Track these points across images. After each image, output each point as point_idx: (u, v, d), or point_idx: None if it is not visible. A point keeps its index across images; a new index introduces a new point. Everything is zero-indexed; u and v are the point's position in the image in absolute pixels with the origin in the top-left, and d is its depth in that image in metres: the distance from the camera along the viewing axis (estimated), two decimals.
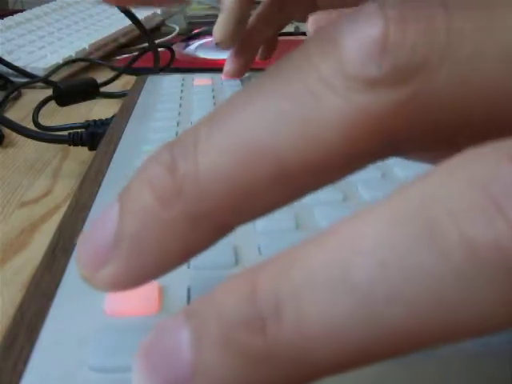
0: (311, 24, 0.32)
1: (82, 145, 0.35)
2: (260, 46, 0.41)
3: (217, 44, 0.39)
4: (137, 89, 0.38)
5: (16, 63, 0.53)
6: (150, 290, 0.15)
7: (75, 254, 0.12)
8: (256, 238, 0.18)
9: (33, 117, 0.39)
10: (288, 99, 0.10)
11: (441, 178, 0.09)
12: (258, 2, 0.40)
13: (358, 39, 0.09)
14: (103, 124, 0.35)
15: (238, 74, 0.40)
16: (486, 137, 0.10)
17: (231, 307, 0.09)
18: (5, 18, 0.67)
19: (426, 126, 0.10)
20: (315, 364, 0.09)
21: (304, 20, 0.35)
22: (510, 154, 0.09)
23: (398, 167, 0.23)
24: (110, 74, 0.53)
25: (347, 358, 0.09)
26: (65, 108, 0.44)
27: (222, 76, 0.40)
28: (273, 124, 0.10)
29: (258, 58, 0.43)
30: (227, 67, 0.40)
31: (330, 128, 0.09)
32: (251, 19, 0.38)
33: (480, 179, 0.09)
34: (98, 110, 0.46)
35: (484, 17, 0.09)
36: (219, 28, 0.38)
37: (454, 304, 0.08)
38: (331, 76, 0.09)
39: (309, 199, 0.21)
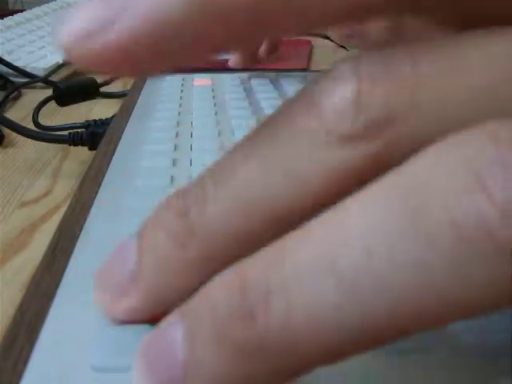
0: None
1: (82, 145, 0.35)
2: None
3: None
4: (137, 89, 0.38)
5: (16, 63, 0.53)
6: None
7: (93, 284, 0.13)
8: None
9: (33, 117, 0.39)
10: (278, 157, 0.11)
11: (426, 162, 0.09)
12: None
13: (334, 100, 0.11)
14: (103, 124, 0.35)
15: (244, 64, 0.42)
16: None
17: (221, 301, 0.10)
18: (5, 18, 0.67)
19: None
20: (305, 355, 0.09)
21: None
22: (493, 133, 0.09)
23: None
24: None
25: (336, 347, 0.09)
26: (65, 108, 0.44)
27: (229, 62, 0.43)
28: (265, 179, 0.11)
29: (262, 55, 0.43)
30: (234, 57, 0.43)
31: (315, 179, 0.11)
32: None
33: (464, 161, 0.09)
34: (98, 110, 0.46)
35: (448, 65, 0.10)
36: None
37: (444, 289, 0.09)
38: (314, 133, 0.11)
39: None
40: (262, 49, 0.43)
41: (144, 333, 0.14)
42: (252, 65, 0.42)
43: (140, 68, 0.11)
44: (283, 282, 0.09)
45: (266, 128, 0.12)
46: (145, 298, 0.12)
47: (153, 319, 0.14)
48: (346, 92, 0.10)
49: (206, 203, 0.12)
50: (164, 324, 0.11)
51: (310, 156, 0.11)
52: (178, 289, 0.12)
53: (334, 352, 0.09)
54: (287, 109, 0.12)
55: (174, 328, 0.10)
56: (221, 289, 0.10)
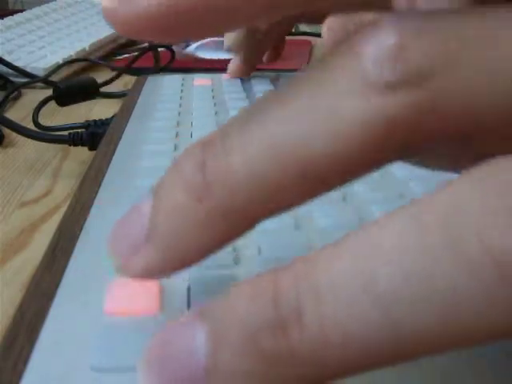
0: (326, 28, 0.32)
1: (82, 145, 0.35)
2: (269, 47, 0.41)
3: (227, 48, 0.39)
4: (137, 89, 0.38)
5: (16, 63, 0.53)
6: (150, 289, 0.15)
7: (107, 244, 0.13)
8: (256, 237, 0.18)
9: (33, 117, 0.39)
10: (315, 106, 0.10)
11: (467, 187, 0.09)
12: None
13: (376, 47, 0.10)
14: (103, 124, 0.35)
15: (245, 74, 0.39)
16: (500, 144, 0.10)
17: (251, 310, 0.10)
18: (5, 18, 0.67)
19: (441, 129, 0.10)
20: (333, 368, 0.09)
21: (312, 22, 0.35)
22: None
23: (397, 167, 0.23)
24: (110, 74, 0.53)
25: (364, 363, 0.09)
26: (65, 108, 0.44)
27: (226, 75, 0.39)
28: (302, 126, 0.10)
29: (264, 60, 0.43)
30: (234, 66, 0.39)
31: (353, 128, 0.10)
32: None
33: (501, 192, 0.09)
34: (98, 110, 0.46)
35: (492, 27, 0.10)
36: (230, 34, 0.38)
37: (476, 314, 0.09)
38: (354, 83, 0.10)
39: None
40: (265, 56, 0.43)
41: (144, 333, 0.14)
42: (249, 73, 0.40)
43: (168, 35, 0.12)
44: (318, 296, 0.09)
45: (304, 78, 0.11)
46: (159, 255, 0.12)
47: (148, 318, 0.14)
48: (388, 40, 0.10)
49: (229, 153, 0.11)
50: (180, 323, 0.10)
51: (348, 105, 0.10)
52: (193, 246, 0.11)
53: (361, 367, 0.09)
54: (327, 58, 0.11)
55: (193, 329, 0.10)
56: (250, 296, 0.10)
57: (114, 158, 0.25)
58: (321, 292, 0.09)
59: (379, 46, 0.10)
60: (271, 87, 0.37)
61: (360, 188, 0.22)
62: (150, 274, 0.12)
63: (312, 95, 0.10)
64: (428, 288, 0.09)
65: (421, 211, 0.09)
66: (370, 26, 0.10)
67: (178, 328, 0.10)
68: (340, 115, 0.10)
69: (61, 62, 0.56)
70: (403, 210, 0.09)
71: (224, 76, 0.39)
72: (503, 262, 0.08)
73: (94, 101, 0.45)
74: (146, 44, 0.50)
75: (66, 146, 0.36)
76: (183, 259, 0.12)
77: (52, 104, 0.43)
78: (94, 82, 0.45)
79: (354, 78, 0.10)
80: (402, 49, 0.10)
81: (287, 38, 0.48)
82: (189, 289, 0.16)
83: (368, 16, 0.12)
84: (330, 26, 0.32)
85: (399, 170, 0.23)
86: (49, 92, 0.44)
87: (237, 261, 0.17)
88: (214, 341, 0.10)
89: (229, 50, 0.39)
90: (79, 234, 0.19)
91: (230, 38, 0.38)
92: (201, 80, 0.40)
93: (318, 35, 0.61)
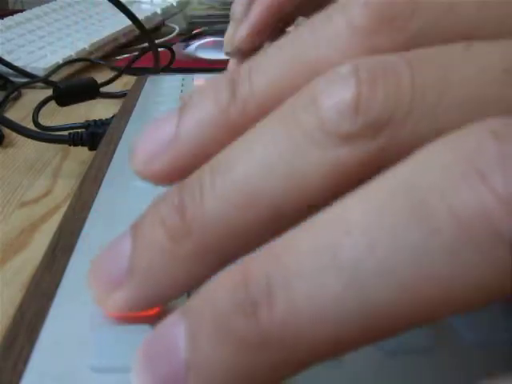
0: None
1: (82, 145, 0.35)
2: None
3: (226, 54, 0.39)
4: (137, 89, 0.38)
5: (16, 63, 0.53)
6: None
7: (88, 277, 0.13)
8: None
9: (33, 117, 0.39)
10: (277, 152, 0.11)
11: (426, 157, 0.09)
12: None
13: (335, 100, 0.11)
14: (103, 124, 0.35)
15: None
16: None
17: (223, 296, 0.10)
18: (5, 18, 0.67)
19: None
20: (309, 347, 0.09)
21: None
22: (492, 129, 0.09)
23: None
24: (110, 74, 0.53)
25: (338, 340, 0.09)
26: (65, 108, 0.44)
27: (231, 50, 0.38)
28: (265, 174, 0.11)
29: None
30: (243, 35, 0.37)
31: (313, 176, 0.11)
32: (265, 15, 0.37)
33: (464, 155, 0.09)
34: (98, 110, 0.46)
35: (443, 72, 0.10)
36: (229, 38, 0.38)
37: (446, 278, 0.09)
38: (313, 131, 0.11)
39: None
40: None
41: (143, 334, 0.14)
42: None
43: None
44: (285, 276, 0.09)
45: (267, 124, 0.12)
46: (138, 291, 0.12)
47: (148, 318, 0.14)
48: (346, 93, 0.11)
49: (203, 196, 0.12)
50: (165, 323, 0.11)
51: (308, 154, 0.11)
52: (171, 284, 0.12)
53: (337, 345, 0.09)
54: (287, 106, 0.12)
55: (175, 327, 0.10)
56: (222, 285, 0.10)
57: (113, 157, 0.25)
58: (288, 270, 0.09)
59: (338, 99, 0.11)
60: None
61: None
62: (128, 309, 0.13)
63: (274, 141, 0.11)
64: (393, 256, 0.09)
65: (382, 184, 0.10)
66: (330, 74, 0.11)
67: (162, 328, 0.11)
68: (300, 165, 0.11)
69: (61, 62, 0.56)
70: (367, 185, 0.10)
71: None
72: (463, 216, 0.09)
73: (93, 101, 0.45)
74: (146, 44, 0.50)
75: (66, 146, 0.36)
76: (161, 296, 0.13)
77: (52, 104, 0.43)
78: (94, 82, 0.45)
79: (314, 127, 0.11)
80: (358, 103, 0.10)
81: None
82: None
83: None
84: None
85: None
86: (49, 92, 0.44)
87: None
88: (191, 334, 0.10)
89: (228, 55, 0.39)
90: (79, 234, 0.19)
91: (229, 44, 0.38)
92: (201, 80, 0.40)
93: None
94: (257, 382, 0.10)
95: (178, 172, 0.13)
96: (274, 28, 0.37)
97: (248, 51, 0.38)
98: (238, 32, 0.36)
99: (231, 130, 0.12)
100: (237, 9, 0.37)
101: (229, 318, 0.10)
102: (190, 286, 0.12)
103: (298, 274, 0.09)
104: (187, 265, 0.12)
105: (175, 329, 0.10)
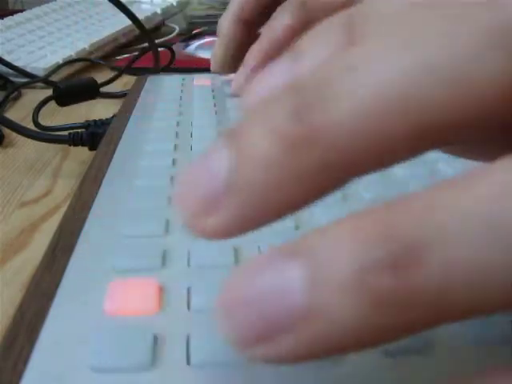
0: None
1: (82, 145, 0.35)
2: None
3: (214, 71, 0.39)
4: (137, 89, 0.38)
5: (16, 63, 0.53)
6: (149, 289, 0.15)
7: (174, 198, 0.11)
8: (256, 237, 0.18)
9: (33, 117, 0.39)
10: (444, 52, 0.09)
11: None
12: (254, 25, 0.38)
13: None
14: (103, 124, 0.35)
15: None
16: None
17: (362, 248, 0.09)
18: (5, 18, 0.67)
19: None
20: (449, 309, 0.09)
21: None
22: None
23: (398, 167, 0.23)
24: (110, 74, 0.53)
25: (486, 304, 0.09)
26: (65, 108, 0.44)
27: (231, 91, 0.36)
28: (421, 78, 0.09)
29: None
30: (238, 83, 0.35)
31: (490, 87, 0.09)
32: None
33: None
34: (98, 110, 0.46)
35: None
36: (216, 56, 0.38)
37: None
38: (496, 31, 0.09)
39: None
40: None
41: (143, 333, 0.14)
42: None
43: None
44: (440, 234, 0.09)
45: (428, 19, 0.10)
46: (238, 213, 0.10)
47: (148, 318, 0.14)
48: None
49: (330, 100, 0.10)
50: (271, 259, 0.09)
51: (488, 58, 0.09)
52: (281, 204, 0.10)
53: (478, 309, 0.09)
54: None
55: (286, 265, 0.09)
56: (354, 234, 0.09)
57: (113, 157, 0.25)
58: (443, 228, 0.09)
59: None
60: None
61: (360, 188, 0.22)
62: (225, 233, 0.11)
63: (441, 37, 0.10)
64: None
65: None
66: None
67: (270, 263, 0.09)
68: (472, 68, 0.09)
69: (61, 62, 0.56)
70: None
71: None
72: None
73: (93, 101, 0.45)
74: (146, 44, 0.50)
75: (66, 146, 0.36)
76: (263, 218, 0.10)
77: (52, 104, 0.43)
78: (94, 82, 0.45)
79: (494, 26, 0.09)
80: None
81: None
82: (189, 289, 0.16)
83: None
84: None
85: (400, 170, 0.23)
86: (49, 92, 0.44)
87: (237, 261, 0.17)
88: (311, 279, 0.09)
89: (216, 73, 0.39)
90: (79, 234, 0.19)
91: (216, 62, 0.38)
92: (201, 80, 0.40)
93: None
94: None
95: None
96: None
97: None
98: (235, 79, 0.35)
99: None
100: (224, 25, 0.37)
101: (364, 271, 0.09)
102: (300, 207, 0.10)
103: (454, 234, 0.08)
104: (303, 182, 0.10)
105: (288, 270, 0.09)
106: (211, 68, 0.39)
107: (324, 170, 0.10)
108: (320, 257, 0.09)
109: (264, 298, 0.09)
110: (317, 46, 0.12)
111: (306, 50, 0.12)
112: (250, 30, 0.37)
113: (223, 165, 0.10)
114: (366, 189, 0.21)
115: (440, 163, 0.23)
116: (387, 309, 0.09)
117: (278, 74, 0.12)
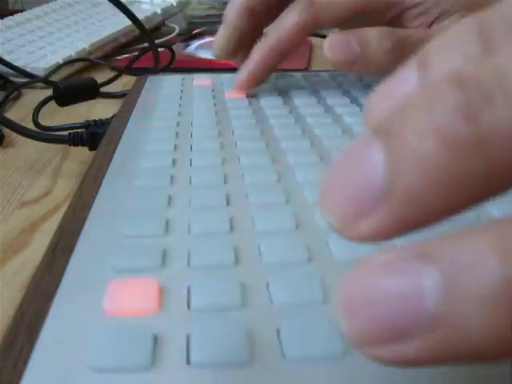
0: (327, 45, 0.32)
1: (82, 145, 0.35)
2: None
3: (215, 56, 0.39)
4: (137, 89, 0.38)
5: (16, 63, 0.53)
6: (149, 289, 0.15)
7: (319, 197, 0.10)
8: (256, 237, 0.18)
9: (33, 117, 0.39)
10: None
11: None
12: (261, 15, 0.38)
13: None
14: (103, 124, 0.35)
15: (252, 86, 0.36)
16: None
17: (503, 262, 0.08)
18: (5, 18, 0.67)
19: None
20: None
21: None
22: None
23: None
24: (110, 74, 0.53)
25: None
26: (65, 108, 0.44)
27: (232, 93, 0.36)
28: None
29: None
30: (242, 79, 0.35)
31: None
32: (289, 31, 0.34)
33: None
34: (98, 110, 0.46)
35: None
36: (219, 42, 0.38)
37: None
38: None
39: (309, 199, 0.21)
40: None
41: (143, 333, 0.14)
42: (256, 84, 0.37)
43: None
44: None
45: None
46: (396, 217, 0.10)
47: (148, 318, 0.14)
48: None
49: (498, 99, 0.09)
50: (405, 263, 0.09)
51: None
52: (442, 207, 0.10)
53: None
54: None
55: (422, 272, 0.09)
56: (503, 242, 0.09)
57: (113, 157, 0.25)
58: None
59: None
60: (271, 87, 0.37)
61: None
62: (379, 237, 0.10)
63: None
64: None
65: None
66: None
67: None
68: None
69: (61, 62, 0.56)
70: None
71: (227, 94, 0.36)
72: None
73: (93, 101, 0.45)
74: (146, 44, 0.50)
75: (66, 146, 0.36)
76: (424, 221, 0.10)
77: (52, 104, 0.43)
78: (94, 82, 0.45)
79: None
80: None
81: None
82: (189, 288, 0.16)
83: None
84: (330, 45, 0.32)
85: None
86: (49, 92, 0.44)
87: (237, 261, 0.17)
88: (447, 286, 0.09)
89: (216, 58, 0.39)
90: (79, 234, 0.19)
91: (218, 48, 0.38)
92: (201, 80, 0.40)
93: (318, 35, 0.61)
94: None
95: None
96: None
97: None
98: (238, 74, 0.35)
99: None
100: (230, 13, 0.37)
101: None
102: (461, 211, 0.10)
103: None
104: (470, 188, 0.09)
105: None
106: (212, 53, 0.39)
107: (494, 174, 0.09)
108: (457, 264, 0.09)
109: (393, 300, 0.09)
110: (447, 54, 0.11)
111: (435, 58, 0.11)
112: (255, 20, 0.37)
113: (379, 168, 0.10)
114: None
115: None
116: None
117: (408, 82, 0.12)
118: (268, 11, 0.37)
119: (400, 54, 0.32)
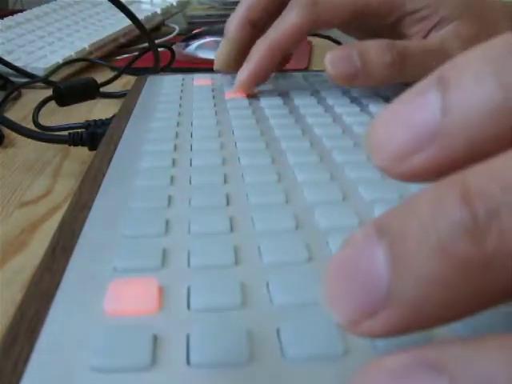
0: (328, 61, 0.32)
1: (82, 145, 0.35)
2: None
3: (216, 70, 0.39)
4: (137, 89, 0.38)
5: (16, 63, 0.53)
6: (149, 289, 0.15)
7: (323, 294, 0.11)
8: (256, 238, 0.18)
9: (33, 117, 0.39)
10: None
11: None
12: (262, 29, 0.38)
13: None
14: (103, 124, 0.35)
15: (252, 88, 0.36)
16: None
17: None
18: (5, 18, 0.67)
19: None
20: None
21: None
22: None
23: None
24: (110, 74, 0.53)
25: None
26: (65, 108, 0.44)
27: (232, 93, 0.36)
28: None
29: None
30: (241, 80, 0.35)
31: None
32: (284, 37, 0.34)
33: None
34: (98, 110, 0.46)
35: None
36: (221, 55, 0.38)
37: None
38: None
39: (309, 199, 0.21)
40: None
41: (143, 333, 0.14)
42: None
43: None
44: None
45: None
46: (398, 323, 0.10)
47: (148, 317, 0.14)
48: None
49: (502, 217, 0.09)
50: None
51: None
52: (448, 311, 0.10)
53: None
54: None
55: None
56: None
57: (114, 157, 0.25)
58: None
59: None
60: (270, 87, 0.37)
61: (361, 188, 0.22)
62: (382, 335, 0.10)
63: None
64: None
65: None
66: None
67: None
68: None
69: (61, 61, 0.56)
70: None
71: (227, 94, 0.36)
72: None
73: (93, 101, 0.45)
74: (146, 44, 0.50)
75: (66, 146, 0.36)
76: (425, 326, 0.10)
77: (52, 104, 0.43)
78: (94, 82, 0.45)
79: None
80: None
81: None
82: (189, 289, 0.16)
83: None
84: (331, 60, 0.32)
85: None
86: (49, 92, 0.44)
87: (237, 261, 0.17)
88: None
89: (218, 71, 0.39)
90: (79, 234, 0.19)
91: (220, 61, 0.38)
92: (201, 80, 0.40)
93: (318, 35, 0.61)
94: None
95: (438, 171, 0.10)
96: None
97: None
98: (238, 75, 0.35)
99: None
100: (231, 27, 0.37)
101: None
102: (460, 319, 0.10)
103: None
104: (473, 303, 0.09)
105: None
106: (214, 66, 0.39)
107: (499, 292, 0.09)
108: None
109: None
110: (467, 80, 0.10)
111: (453, 81, 0.10)
112: (256, 31, 0.37)
113: (382, 272, 0.10)
114: (365, 189, 0.21)
115: None
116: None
117: (422, 114, 0.10)
118: (268, 21, 0.37)
119: (400, 66, 0.32)
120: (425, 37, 0.35)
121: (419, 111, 0.10)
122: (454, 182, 0.09)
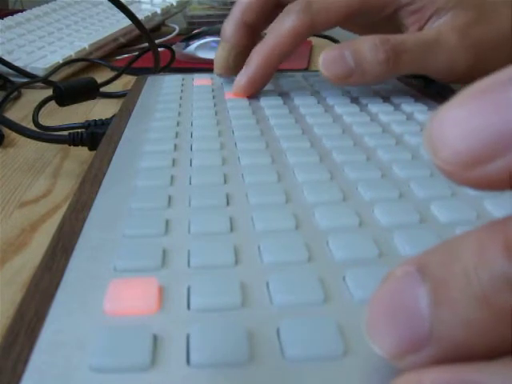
0: (321, 63, 0.32)
1: (82, 145, 0.35)
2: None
3: (217, 74, 0.39)
4: (137, 89, 0.38)
5: (16, 63, 0.53)
6: (149, 289, 0.15)
7: (366, 324, 0.11)
8: (256, 238, 0.18)
9: (33, 117, 0.39)
10: None
11: None
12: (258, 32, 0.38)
13: None
14: (103, 124, 0.35)
15: (254, 91, 0.36)
16: None
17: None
18: (5, 18, 0.67)
19: None
20: None
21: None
22: None
23: (398, 167, 0.23)
24: (110, 74, 0.53)
25: None
26: (65, 108, 0.44)
27: (231, 93, 0.36)
28: None
29: None
30: (240, 84, 0.35)
31: None
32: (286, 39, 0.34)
33: None
34: (98, 110, 0.47)
35: None
36: (219, 60, 0.38)
37: None
38: None
39: (309, 199, 0.21)
40: None
41: (143, 333, 0.14)
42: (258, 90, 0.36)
43: None
44: None
45: None
46: (438, 359, 0.10)
47: (148, 318, 0.14)
48: None
49: None
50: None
51: None
52: (483, 349, 0.10)
53: None
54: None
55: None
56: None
57: (114, 157, 0.25)
58: None
59: None
60: (271, 87, 0.37)
61: (361, 188, 0.22)
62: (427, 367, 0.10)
63: None
64: None
65: None
66: None
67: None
68: None
69: (61, 61, 0.56)
70: None
71: (227, 94, 0.36)
72: None
73: (93, 101, 0.45)
74: (146, 44, 0.50)
75: (66, 145, 0.36)
76: (459, 360, 0.10)
77: (52, 104, 0.43)
78: (94, 82, 0.45)
79: None
80: None
81: None
82: (189, 288, 0.16)
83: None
84: (324, 61, 0.32)
85: (400, 170, 0.23)
86: (49, 92, 0.44)
87: (237, 261, 0.17)
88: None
89: (218, 76, 0.39)
90: (79, 234, 0.19)
91: (219, 66, 0.38)
92: (201, 80, 0.40)
93: (319, 35, 0.61)
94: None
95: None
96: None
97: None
98: (237, 79, 0.35)
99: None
100: (227, 29, 0.37)
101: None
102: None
103: None
104: (507, 343, 0.10)
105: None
106: (214, 71, 0.39)
107: None
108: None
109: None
110: None
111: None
112: (253, 33, 0.37)
113: (425, 314, 0.10)
114: (365, 189, 0.21)
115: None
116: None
117: (499, 111, 0.09)
118: (265, 22, 0.37)
119: (395, 61, 0.32)
120: (422, 27, 0.35)
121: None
122: (496, 229, 0.09)
